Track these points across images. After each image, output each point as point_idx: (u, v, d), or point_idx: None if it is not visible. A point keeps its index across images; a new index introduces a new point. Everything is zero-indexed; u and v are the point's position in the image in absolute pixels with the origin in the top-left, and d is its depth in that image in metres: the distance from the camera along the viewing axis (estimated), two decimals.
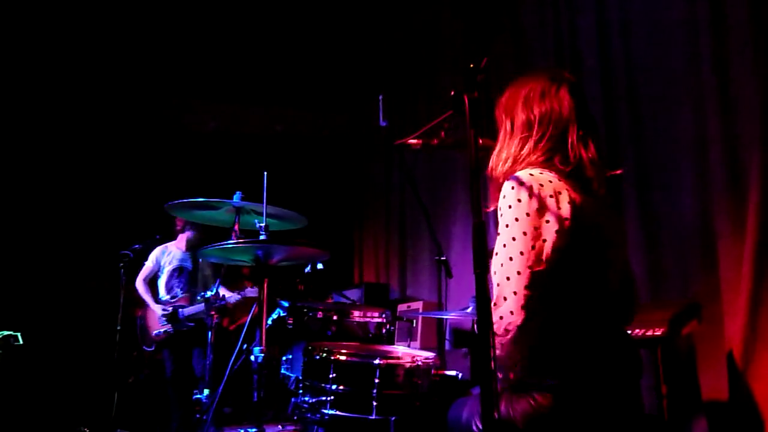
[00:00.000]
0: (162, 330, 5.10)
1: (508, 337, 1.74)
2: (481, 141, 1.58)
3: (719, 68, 3.51)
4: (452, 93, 1.61)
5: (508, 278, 1.75)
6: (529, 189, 1.77)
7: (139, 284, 5.36)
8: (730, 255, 3.38)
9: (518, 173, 1.84)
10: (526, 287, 1.73)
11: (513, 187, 1.80)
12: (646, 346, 2.97)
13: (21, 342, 4.37)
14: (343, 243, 8.30)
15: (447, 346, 5.16)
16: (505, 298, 1.75)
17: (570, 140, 1.88)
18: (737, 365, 3.24)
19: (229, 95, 7.77)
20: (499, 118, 2.03)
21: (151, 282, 5.41)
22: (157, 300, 5.29)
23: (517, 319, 1.73)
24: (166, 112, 7.82)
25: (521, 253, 1.75)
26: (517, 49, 5.31)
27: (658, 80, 3.93)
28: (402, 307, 5.87)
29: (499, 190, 1.85)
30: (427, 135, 2.36)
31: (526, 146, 1.90)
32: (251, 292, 4.76)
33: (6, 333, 4.34)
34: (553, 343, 1.79)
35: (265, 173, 3.11)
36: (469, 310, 3.40)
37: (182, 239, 5.39)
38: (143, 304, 5.31)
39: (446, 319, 4.89)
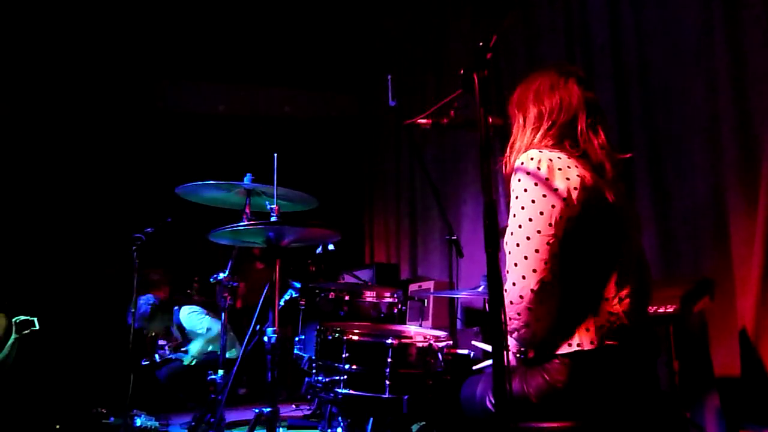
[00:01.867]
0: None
1: (524, 304, 1.76)
2: (491, 119, 1.57)
3: (732, 42, 3.47)
4: (461, 72, 1.60)
5: (518, 245, 1.79)
6: (538, 162, 1.82)
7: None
8: (742, 231, 3.37)
9: (528, 151, 1.87)
10: (537, 251, 1.76)
11: (523, 163, 1.84)
12: (658, 323, 2.97)
13: (37, 327, 4.41)
14: (354, 224, 8.31)
15: (459, 325, 5.18)
16: (516, 264, 1.78)
17: (579, 127, 1.93)
18: (750, 341, 3.24)
19: (237, 77, 7.75)
20: (511, 115, 2.08)
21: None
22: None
23: (530, 282, 1.75)
24: (176, 96, 7.82)
25: (530, 219, 1.78)
26: (527, 27, 5.25)
27: (670, 56, 3.88)
28: (413, 287, 5.88)
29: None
30: (436, 114, 2.35)
31: (537, 135, 1.95)
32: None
33: (22, 318, 4.39)
34: (569, 317, 1.80)
35: (276, 155, 3.10)
36: (480, 289, 3.40)
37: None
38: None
39: (458, 298, 4.90)
